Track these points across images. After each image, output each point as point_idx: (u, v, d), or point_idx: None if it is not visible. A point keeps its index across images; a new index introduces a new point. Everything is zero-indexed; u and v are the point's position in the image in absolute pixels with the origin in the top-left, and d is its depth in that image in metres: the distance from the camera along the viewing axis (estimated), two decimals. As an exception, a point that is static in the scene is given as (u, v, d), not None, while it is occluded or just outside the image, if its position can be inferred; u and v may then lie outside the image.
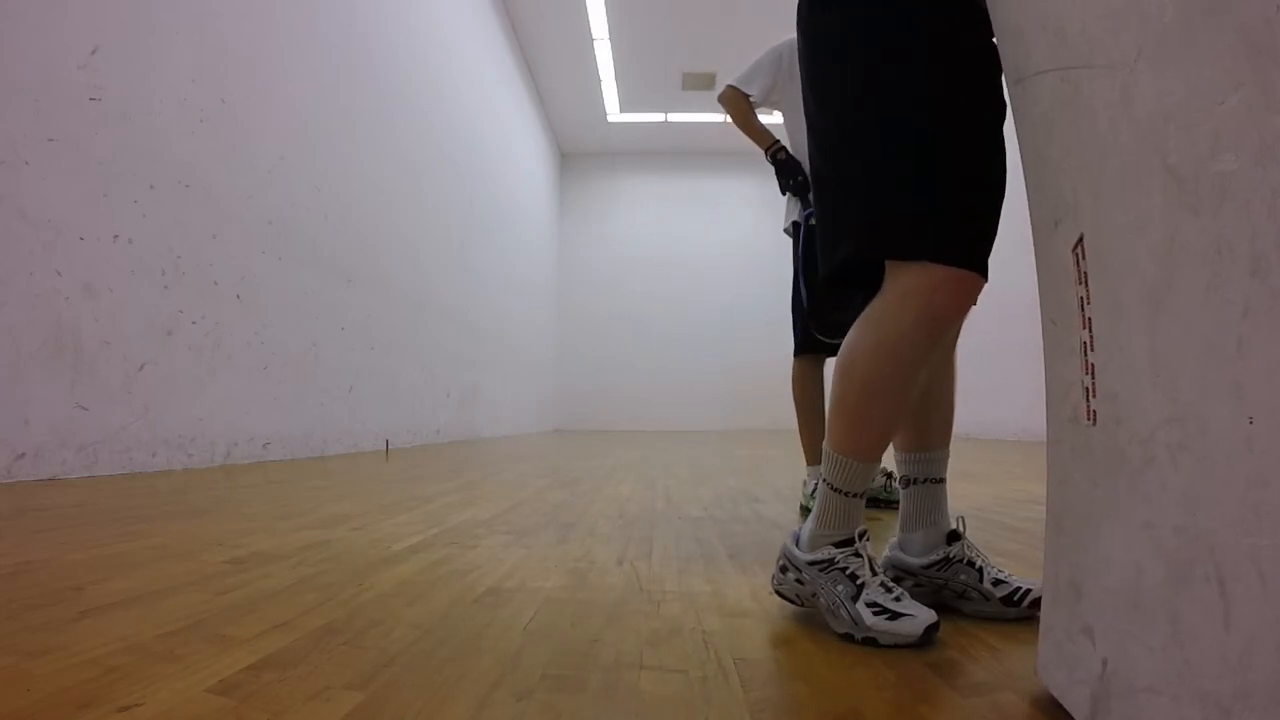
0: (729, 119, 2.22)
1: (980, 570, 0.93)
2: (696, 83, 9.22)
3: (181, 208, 2.82)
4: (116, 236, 2.51)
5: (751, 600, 1.03)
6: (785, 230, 2.18)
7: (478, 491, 2.38)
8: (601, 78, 9.15)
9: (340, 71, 4.13)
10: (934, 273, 0.83)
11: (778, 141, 2.11)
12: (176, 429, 2.78)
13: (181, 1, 2.82)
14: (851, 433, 0.90)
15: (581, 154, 11.65)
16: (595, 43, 8.34)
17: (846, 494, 0.90)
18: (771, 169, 2.12)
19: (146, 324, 2.64)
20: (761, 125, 2.16)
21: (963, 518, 0.99)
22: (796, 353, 2.14)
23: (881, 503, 2.06)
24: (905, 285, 0.86)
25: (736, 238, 11.35)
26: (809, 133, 1.02)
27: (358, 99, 4.34)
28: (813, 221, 2.02)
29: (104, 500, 1.92)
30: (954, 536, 0.97)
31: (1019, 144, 0.72)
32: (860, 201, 0.90)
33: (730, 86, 2.16)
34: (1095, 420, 0.59)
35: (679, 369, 11.19)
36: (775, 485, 2.71)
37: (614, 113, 10.22)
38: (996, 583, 0.92)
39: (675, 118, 10.32)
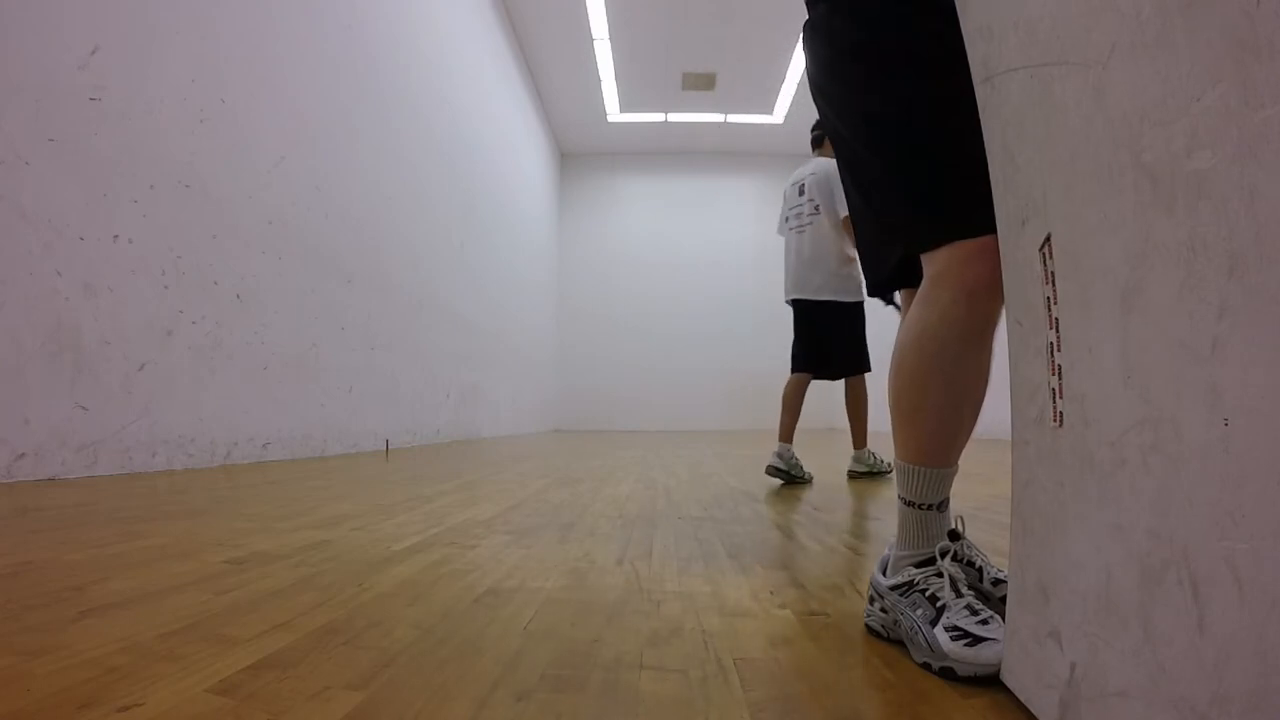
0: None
1: (980, 570, 0.93)
2: (696, 83, 9.21)
3: (181, 208, 2.82)
4: (116, 236, 2.51)
5: (751, 600, 1.03)
6: (786, 301, 3.07)
7: (478, 491, 2.38)
8: (601, 78, 9.14)
9: (340, 71, 4.12)
10: (962, 248, 0.84)
11: None
12: (176, 429, 2.78)
13: (181, 1, 2.82)
14: (911, 433, 0.89)
15: (581, 154, 11.63)
16: (595, 43, 8.33)
17: (921, 506, 0.88)
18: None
19: (146, 324, 2.64)
20: None
21: (962, 518, 0.99)
22: (794, 370, 2.99)
23: (871, 474, 2.18)
24: (937, 268, 0.87)
25: (736, 238, 11.34)
26: (831, 139, 1.04)
27: (358, 99, 4.34)
28: (803, 302, 2.98)
29: (104, 500, 1.91)
30: (954, 536, 0.96)
31: (986, 142, 0.71)
32: (889, 201, 0.93)
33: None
34: (1062, 422, 0.59)
35: (679, 369, 11.18)
36: (775, 485, 2.71)
37: (614, 113, 10.21)
38: (996, 582, 0.91)
39: (675, 118, 10.31)
